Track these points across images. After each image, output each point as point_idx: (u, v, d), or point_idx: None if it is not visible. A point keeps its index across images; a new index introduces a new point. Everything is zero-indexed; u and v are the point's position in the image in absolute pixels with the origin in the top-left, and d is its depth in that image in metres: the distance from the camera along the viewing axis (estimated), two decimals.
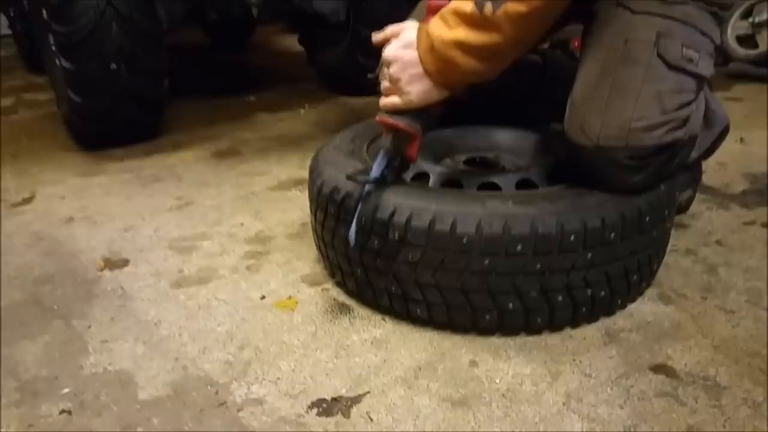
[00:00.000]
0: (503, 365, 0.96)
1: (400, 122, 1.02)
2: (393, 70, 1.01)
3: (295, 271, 1.26)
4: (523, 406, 0.88)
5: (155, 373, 0.98)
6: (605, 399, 0.88)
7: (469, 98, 1.08)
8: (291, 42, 3.64)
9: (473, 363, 0.97)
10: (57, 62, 1.92)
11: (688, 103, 1.00)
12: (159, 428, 0.87)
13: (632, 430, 0.83)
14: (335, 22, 2.44)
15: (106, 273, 1.29)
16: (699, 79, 1.01)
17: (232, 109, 2.57)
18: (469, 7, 0.93)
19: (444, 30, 0.96)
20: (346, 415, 0.87)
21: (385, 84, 1.05)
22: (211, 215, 1.55)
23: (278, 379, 0.95)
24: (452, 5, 0.97)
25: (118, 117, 2.01)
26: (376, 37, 1.06)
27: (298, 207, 1.56)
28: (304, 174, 1.78)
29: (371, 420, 0.86)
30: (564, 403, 0.88)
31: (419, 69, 0.99)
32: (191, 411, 0.89)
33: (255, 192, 1.69)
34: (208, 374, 0.97)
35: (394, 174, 1.06)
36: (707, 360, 0.95)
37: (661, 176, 1.03)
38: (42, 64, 2.48)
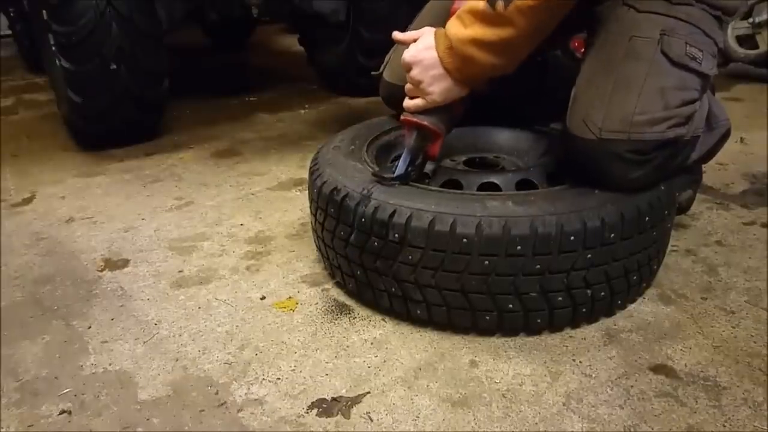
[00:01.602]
0: (503, 365, 0.96)
1: (425, 121, 1.06)
2: (415, 72, 1.04)
3: (295, 272, 1.26)
4: (523, 407, 0.88)
5: (155, 374, 0.98)
6: (605, 399, 0.88)
7: (489, 93, 1.12)
8: (291, 42, 3.64)
9: (473, 363, 0.97)
10: (57, 62, 1.92)
11: (692, 101, 1.00)
12: (159, 428, 0.87)
13: (632, 430, 0.83)
14: (335, 22, 2.44)
15: (106, 273, 1.29)
16: (702, 77, 1.01)
17: (232, 109, 2.57)
18: (481, 5, 0.97)
19: (460, 29, 1.00)
20: (346, 415, 0.87)
21: (408, 86, 1.08)
22: (211, 215, 1.55)
23: (278, 379, 0.95)
24: (467, 5, 1.00)
25: (118, 117, 2.01)
26: (396, 36, 1.11)
27: (298, 207, 1.56)
28: (304, 174, 1.79)
29: (371, 420, 0.86)
30: (564, 404, 0.88)
31: (440, 69, 1.03)
32: (191, 411, 0.89)
33: (255, 192, 1.69)
34: (208, 374, 0.97)
35: (417, 172, 1.09)
36: (707, 360, 0.95)
37: (662, 174, 1.03)
38: (42, 64, 2.48)
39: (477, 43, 0.99)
